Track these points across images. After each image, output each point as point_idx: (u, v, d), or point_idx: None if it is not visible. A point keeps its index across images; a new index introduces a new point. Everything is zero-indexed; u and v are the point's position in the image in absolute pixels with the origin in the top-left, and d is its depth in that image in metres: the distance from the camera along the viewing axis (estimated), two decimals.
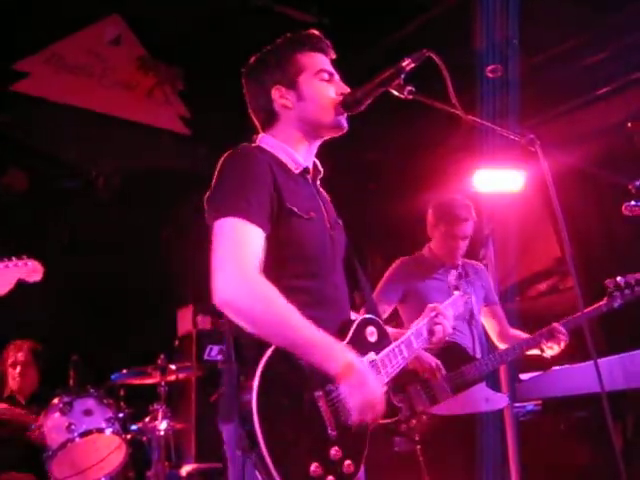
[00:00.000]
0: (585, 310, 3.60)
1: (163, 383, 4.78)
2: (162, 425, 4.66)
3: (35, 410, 4.66)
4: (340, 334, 2.18)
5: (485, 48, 5.34)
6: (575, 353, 3.78)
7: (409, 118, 5.21)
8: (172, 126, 6.48)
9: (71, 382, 4.82)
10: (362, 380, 1.99)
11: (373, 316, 2.34)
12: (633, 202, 3.15)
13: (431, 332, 2.44)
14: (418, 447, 3.51)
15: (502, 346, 3.89)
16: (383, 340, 2.30)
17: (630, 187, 3.15)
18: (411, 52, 2.21)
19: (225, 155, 2.19)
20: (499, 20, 5.21)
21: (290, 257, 2.16)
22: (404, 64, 2.20)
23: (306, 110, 2.30)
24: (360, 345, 2.19)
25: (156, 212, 6.34)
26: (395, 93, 2.24)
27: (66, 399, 4.54)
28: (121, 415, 4.74)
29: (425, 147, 6.36)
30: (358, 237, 2.52)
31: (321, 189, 2.44)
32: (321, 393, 2.03)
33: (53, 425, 4.48)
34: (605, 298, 3.69)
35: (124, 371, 4.89)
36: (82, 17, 5.95)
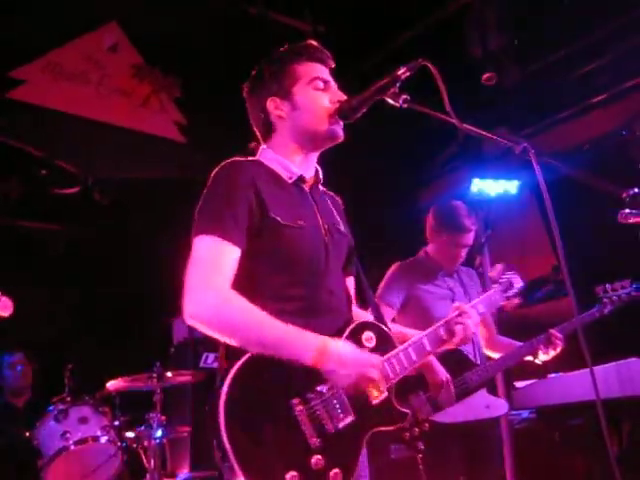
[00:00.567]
0: (579, 316, 3.71)
1: (159, 391, 4.77)
2: (157, 433, 4.64)
3: (30, 417, 4.66)
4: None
5: (480, 57, 5.37)
6: (569, 360, 3.80)
7: (405, 126, 5.23)
8: (168, 133, 6.48)
9: (66, 390, 4.81)
10: (341, 357, 2.01)
11: (373, 320, 2.32)
12: (627, 210, 3.15)
13: (451, 333, 2.40)
14: (419, 456, 3.50)
15: (490, 352, 3.90)
16: (384, 345, 2.25)
17: (624, 195, 3.16)
18: (407, 61, 2.22)
19: (214, 171, 2.22)
20: (494, 29, 5.24)
21: (277, 266, 2.19)
22: (399, 73, 2.20)
23: (300, 120, 2.31)
24: None
25: (152, 219, 6.34)
26: (390, 102, 2.24)
27: (61, 407, 4.54)
28: (116, 423, 4.74)
29: (421, 155, 6.38)
30: (355, 245, 2.53)
31: (323, 196, 2.45)
32: (298, 401, 2.02)
33: (48, 433, 4.48)
34: (596, 305, 3.78)
35: (120, 379, 4.89)
36: (79, 25, 5.96)
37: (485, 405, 3.63)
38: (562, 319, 3.68)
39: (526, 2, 5.17)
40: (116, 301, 6.15)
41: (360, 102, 2.28)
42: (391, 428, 2.21)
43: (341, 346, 2.04)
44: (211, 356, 6.13)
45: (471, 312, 2.45)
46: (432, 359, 3.53)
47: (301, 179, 2.34)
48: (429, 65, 2.15)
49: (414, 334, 2.40)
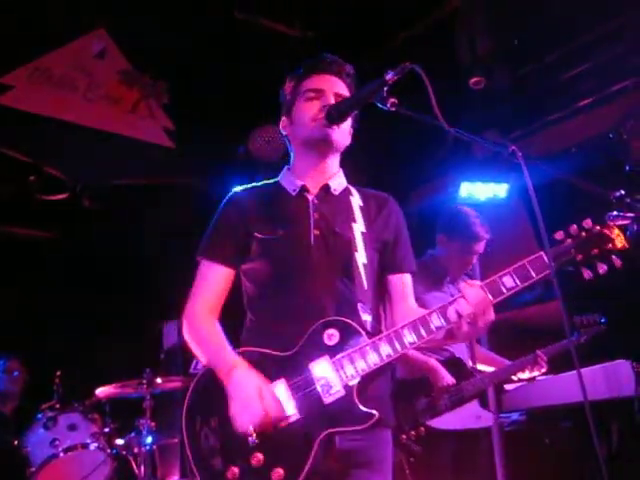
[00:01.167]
0: (561, 342, 3.94)
1: (149, 397, 4.75)
2: (147, 440, 4.62)
3: (19, 424, 4.63)
4: (295, 343, 2.21)
5: (469, 61, 5.40)
6: (557, 362, 3.85)
7: (394, 129, 5.24)
8: (157, 139, 6.46)
9: (56, 397, 4.78)
10: (237, 384, 2.14)
11: (339, 317, 2.22)
12: (615, 212, 3.17)
13: (446, 318, 2.15)
14: (411, 459, 3.50)
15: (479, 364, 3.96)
16: (349, 341, 2.16)
17: (612, 198, 3.18)
18: (395, 65, 2.23)
19: None
20: (483, 33, 5.26)
21: (255, 279, 2.40)
22: (387, 77, 2.21)
23: (295, 132, 2.46)
24: (312, 350, 2.18)
25: (141, 225, 6.32)
26: (379, 105, 2.25)
27: (50, 414, 4.52)
28: (106, 430, 4.72)
29: (410, 159, 6.38)
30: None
31: (339, 200, 2.47)
32: None
33: (37, 441, 4.45)
34: (575, 334, 3.94)
35: (109, 386, 4.86)
36: (67, 31, 5.94)
37: (476, 415, 3.65)
38: (550, 322, 3.69)
39: (514, 7, 5.20)
40: (105, 307, 6.12)
41: (348, 106, 2.33)
42: (354, 428, 2.10)
43: (244, 373, 2.16)
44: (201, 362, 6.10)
45: (470, 291, 2.15)
46: (437, 365, 3.55)
47: (304, 189, 2.44)
48: (417, 69, 2.16)
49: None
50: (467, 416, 3.62)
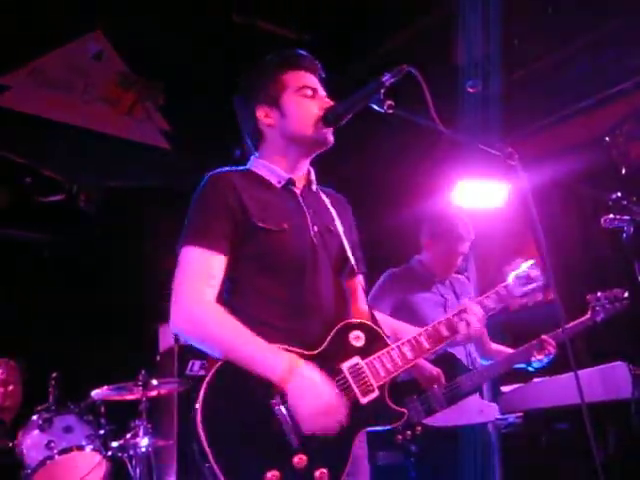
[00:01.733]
0: (571, 324, 3.78)
1: (144, 399, 4.73)
2: (143, 442, 4.60)
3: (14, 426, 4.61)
4: (318, 342, 2.19)
5: (466, 63, 5.40)
6: (554, 364, 3.82)
7: (390, 131, 5.24)
8: (153, 141, 6.47)
9: (51, 399, 4.76)
10: (307, 386, 2.02)
11: (362, 320, 2.30)
12: (612, 215, 3.18)
13: (453, 330, 2.37)
14: (412, 460, 3.48)
15: (481, 358, 3.91)
16: (375, 343, 2.25)
17: (609, 201, 3.19)
18: (392, 68, 2.23)
19: (200, 184, 2.28)
20: (480, 35, 5.27)
21: (261, 269, 2.23)
22: (384, 79, 2.22)
23: (289, 127, 2.35)
24: (340, 351, 2.20)
25: (138, 227, 6.32)
26: (375, 108, 2.25)
27: (45, 416, 4.50)
28: (102, 432, 4.70)
29: (406, 161, 6.38)
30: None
31: (319, 196, 2.47)
32: (278, 401, 2.04)
33: (32, 443, 4.44)
34: (588, 312, 3.82)
35: (105, 387, 4.84)
36: (64, 33, 5.95)
37: (478, 410, 3.64)
38: (548, 322, 3.69)
39: (508, 12, 5.21)
40: (101, 308, 6.11)
41: (345, 109, 2.31)
42: (387, 427, 2.21)
43: (313, 374, 2.06)
44: (197, 363, 6.10)
45: (474, 308, 2.43)
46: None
47: (290, 182, 2.37)
48: (413, 71, 2.17)
49: (411, 330, 2.41)
50: (470, 411, 3.59)
